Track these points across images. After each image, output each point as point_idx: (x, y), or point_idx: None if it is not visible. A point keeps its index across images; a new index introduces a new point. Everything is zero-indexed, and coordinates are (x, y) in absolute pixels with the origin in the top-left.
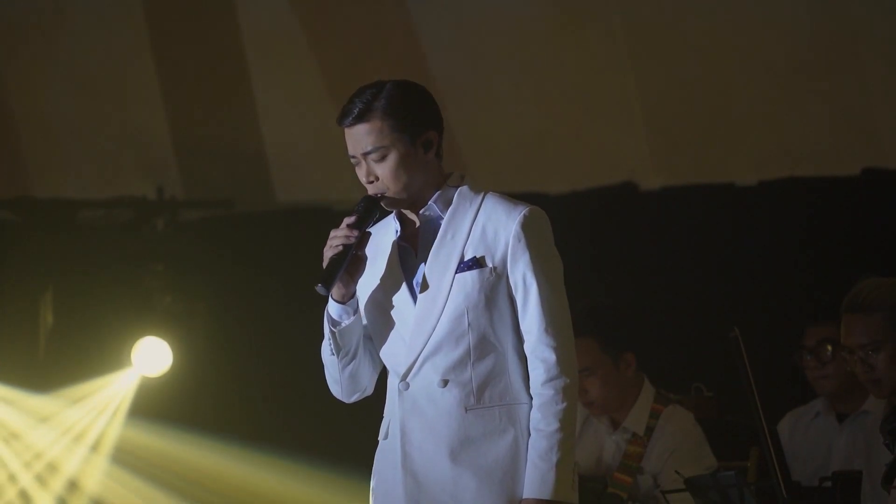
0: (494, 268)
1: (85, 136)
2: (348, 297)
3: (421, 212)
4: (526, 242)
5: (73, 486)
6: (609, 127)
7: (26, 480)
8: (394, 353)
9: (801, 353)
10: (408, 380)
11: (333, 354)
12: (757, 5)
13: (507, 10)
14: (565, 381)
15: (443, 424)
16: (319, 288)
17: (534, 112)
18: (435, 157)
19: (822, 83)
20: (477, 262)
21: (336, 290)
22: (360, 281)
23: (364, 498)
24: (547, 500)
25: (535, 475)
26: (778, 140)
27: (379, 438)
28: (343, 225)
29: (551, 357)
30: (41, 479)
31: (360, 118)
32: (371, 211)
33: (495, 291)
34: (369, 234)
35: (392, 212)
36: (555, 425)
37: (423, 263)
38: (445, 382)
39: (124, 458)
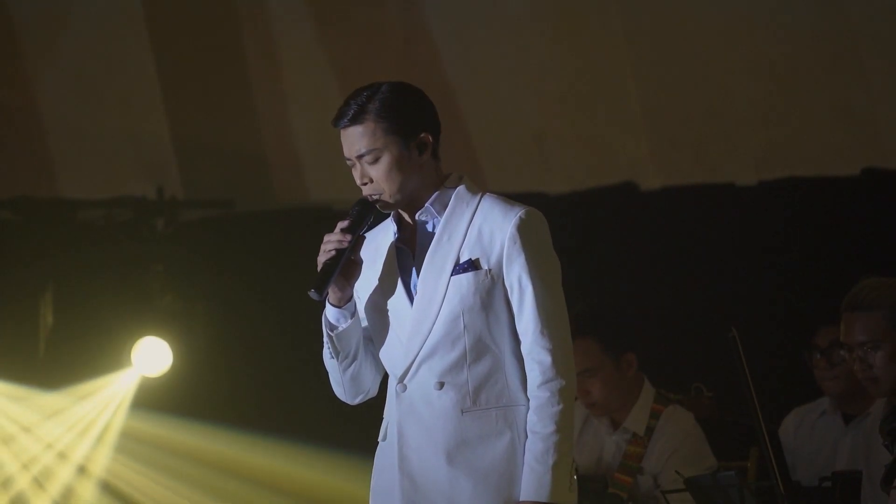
0: (490, 270)
1: (85, 136)
2: (345, 301)
3: (418, 214)
4: (521, 244)
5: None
6: (609, 127)
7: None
8: (392, 355)
9: (811, 351)
10: (405, 382)
11: (333, 358)
12: (757, 5)
13: (507, 10)
14: (561, 383)
15: (439, 427)
16: (312, 293)
17: (534, 112)
18: (432, 158)
19: (822, 83)
20: (472, 265)
21: (332, 295)
22: (360, 284)
23: (364, 499)
24: (544, 503)
25: (532, 478)
26: (778, 140)
27: (378, 440)
28: (337, 229)
29: (547, 359)
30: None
31: (353, 120)
32: (365, 215)
33: (491, 294)
34: (363, 237)
35: (389, 214)
36: (551, 427)
37: (420, 266)
38: (441, 385)
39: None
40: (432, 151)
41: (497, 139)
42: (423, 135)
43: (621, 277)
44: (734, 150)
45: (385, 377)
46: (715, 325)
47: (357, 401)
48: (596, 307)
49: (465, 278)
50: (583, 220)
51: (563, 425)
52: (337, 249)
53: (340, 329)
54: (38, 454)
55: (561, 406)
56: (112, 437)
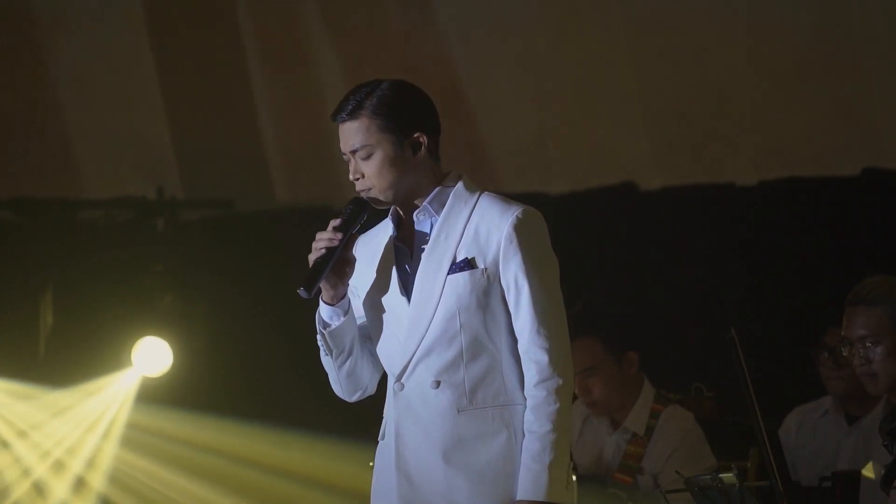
0: (486, 269)
1: (85, 136)
2: (337, 299)
3: (416, 213)
4: (518, 244)
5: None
6: (609, 127)
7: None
8: (389, 353)
9: (819, 349)
10: (402, 381)
11: (327, 355)
12: (757, 5)
13: (507, 10)
14: (559, 382)
15: (436, 426)
16: (301, 291)
17: (534, 112)
18: (429, 158)
19: (822, 83)
20: (469, 264)
21: (325, 293)
22: (358, 282)
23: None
24: (540, 502)
25: (528, 477)
26: (778, 140)
27: (378, 439)
28: (329, 227)
29: (544, 358)
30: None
31: (350, 115)
32: (358, 213)
33: (488, 293)
34: (356, 235)
35: (385, 212)
36: (547, 426)
37: (417, 264)
38: (438, 384)
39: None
40: (429, 152)
41: (497, 139)
42: (416, 135)
43: (621, 277)
44: (734, 150)
45: (384, 376)
46: (715, 325)
47: (355, 398)
48: (597, 306)
49: (462, 277)
50: (583, 220)
51: (560, 424)
52: (327, 248)
53: (333, 327)
54: (48, 450)
55: (558, 405)
56: (113, 439)
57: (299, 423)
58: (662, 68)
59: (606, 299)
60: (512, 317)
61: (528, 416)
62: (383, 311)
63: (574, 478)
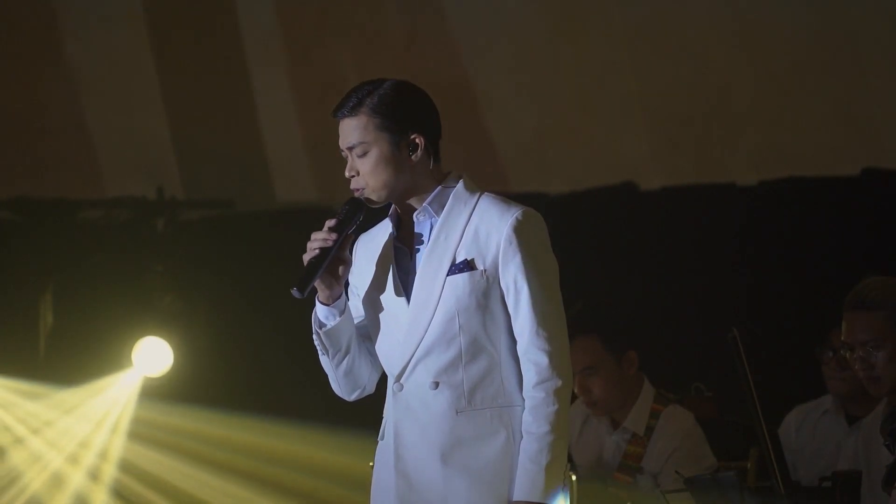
0: (485, 270)
1: (85, 136)
2: (333, 299)
3: (416, 213)
4: (517, 245)
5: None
6: (609, 127)
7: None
8: (389, 354)
9: (824, 349)
10: (401, 381)
11: (324, 354)
12: (757, 5)
13: (507, 11)
14: (557, 384)
15: (434, 426)
16: (294, 291)
17: (534, 112)
18: (428, 159)
19: (822, 83)
20: (468, 265)
21: (321, 293)
22: (358, 282)
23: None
24: (537, 503)
25: (525, 477)
26: (778, 140)
27: (378, 439)
28: (324, 227)
29: (542, 360)
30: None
31: (349, 112)
32: (354, 214)
33: (487, 294)
34: (351, 236)
35: (388, 212)
36: (545, 427)
37: (417, 265)
38: (437, 384)
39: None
40: (427, 153)
41: (497, 139)
42: (413, 135)
43: (621, 277)
44: (734, 150)
45: (385, 375)
46: (715, 325)
47: (354, 397)
48: (598, 305)
49: (461, 278)
50: (583, 220)
51: (558, 426)
52: (321, 248)
53: (329, 327)
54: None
55: (556, 406)
56: (122, 434)
57: (301, 424)
58: (662, 68)
59: (606, 299)
60: (511, 318)
61: (527, 417)
62: (383, 311)
63: (574, 478)
